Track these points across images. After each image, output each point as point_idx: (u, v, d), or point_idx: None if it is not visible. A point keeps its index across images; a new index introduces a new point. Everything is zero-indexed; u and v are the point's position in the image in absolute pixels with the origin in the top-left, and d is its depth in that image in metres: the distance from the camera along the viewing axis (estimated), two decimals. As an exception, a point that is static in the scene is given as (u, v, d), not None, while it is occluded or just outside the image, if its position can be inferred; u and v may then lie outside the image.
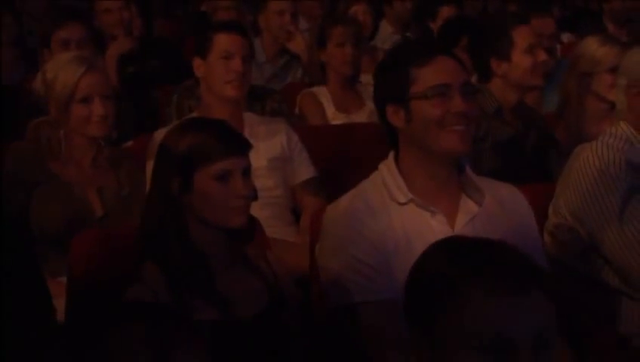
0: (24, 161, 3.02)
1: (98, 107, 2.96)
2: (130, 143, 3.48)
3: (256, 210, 2.35)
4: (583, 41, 3.64)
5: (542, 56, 3.45)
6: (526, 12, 3.64)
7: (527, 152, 3.50)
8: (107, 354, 2.16)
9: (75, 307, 2.45)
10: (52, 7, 6.08)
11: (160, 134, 3.01)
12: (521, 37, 3.43)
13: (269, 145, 3.41)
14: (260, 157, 3.22)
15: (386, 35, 6.11)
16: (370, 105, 4.11)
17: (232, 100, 3.44)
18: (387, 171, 2.33)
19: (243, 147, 2.26)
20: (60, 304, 2.36)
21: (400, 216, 2.28)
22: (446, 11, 5.62)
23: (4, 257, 2.05)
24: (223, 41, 3.46)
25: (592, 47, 3.55)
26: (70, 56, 3.12)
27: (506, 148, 3.40)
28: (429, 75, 2.24)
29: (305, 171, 3.50)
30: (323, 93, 4.34)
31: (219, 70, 3.43)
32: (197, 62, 3.49)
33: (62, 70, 3.00)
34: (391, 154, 2.34)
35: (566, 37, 5.94)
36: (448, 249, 1.57)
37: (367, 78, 4.17)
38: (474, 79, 4.10)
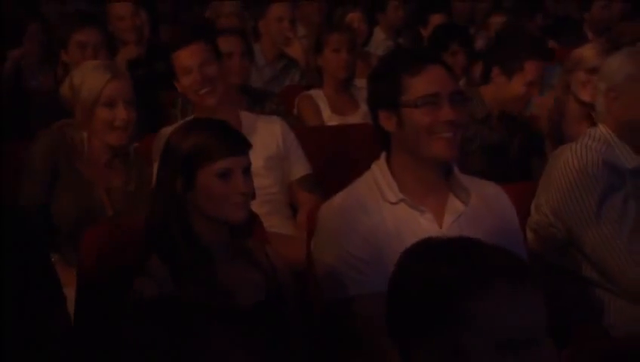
0: (52, 148, 3.04)
1: (121, 111, 2.98)
2: (137, 143, 3.48)
3: (255, 206, 2.35)
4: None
5: (535, 92, 3.46)
6: (551, 49, 3.58)
7: (512, 157, 3.51)
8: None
9: (85, 297, 2.45)
10: (66, 11, 6.09)
11: (166, 132, 3.00)
12: (531, 70, 3.44)
13: (265, 145, 3.38)
14: (257, 156, 3.17)
15: (379, 41, 6.11)
16: (364, 107, 4.11)
17: (211, 109, 3.31)
18: (379, 171, 2.33)
19: (243, 147, 2.26)
20: (70, 293, 2.37)
21: (391, 214, 2.28)
22: (436, 19, 5.62)
23: (16, 246, 2.05)
24: (180, 59, 3.37)
25: (586, 47, 3.56)
26: (96, 64, 3.15)
27: (492, 152, 3.41)
28: (420, 84, 2.24)
29: (300, 168, 3.49)
30: (319, 96, 4.35)
31: (186, 87, 3.37)
32: (177, 84, 3.43)
33: (89, 76, 3.02)
34: (383, 156, 2.34)
35: (548, 44, 5.93)
36: (435, 255, 1.47)
37: (361, 82, 4.16)
38: (463, 82, 4.10)
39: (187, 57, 3.36)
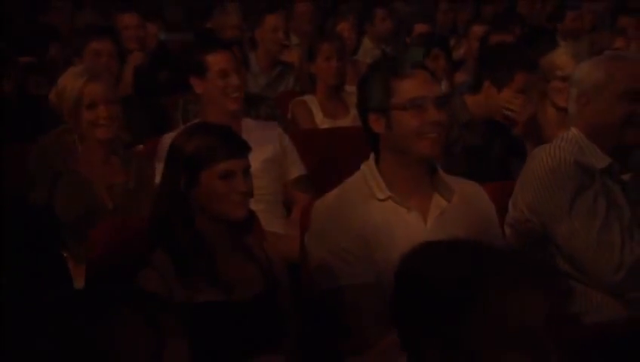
0: (49, 152, 3.06)
1: (103, 111, 2.98)
2: (141, 146, 3.49)
3: (251, 205, 2.37)
4: (557, 48, 3.66)
5: (528, 107, 3.45)
6: (535, 58, 3.53)
7: (492, 159, 3.52)
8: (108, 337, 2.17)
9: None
10: (74, 22, 6.09)
11: (168, 138, 3.01)
12: (519, 81, 3.42)
13: (263, 149, 3.38)
14: (255, 159, 3.18)
15: (367, 50, 6.13)
16: (354, 111, 4.11)
17: (235, 113, 3.38)
18: (368, 171, 2.35)
19: (244, 149, 2.28)
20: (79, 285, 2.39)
21: (380, 211, 2.30)
22: (420, 28, 5.65)
23: (30, 238, 2.07)
24: (217, 61, 3.39)
25: (556, 53, 3.56)
26: (77, 69, 3.16)
27: (474, 155, 3.43)
28: (408, 87, 2.26)
29: (295, 170, 3.51)
30: (312, 101, 4.36)
31: (219, 88, 3.39)
32: (194, 81, 3.42)
33: (69, 81, 3.04)
34: (372, 156, 2.36)
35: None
36: (445, 254, 1.41)
37: (351, 88, 4.18)
38: (445, 84, 4.11)
39: (226, 60, 3.40)
